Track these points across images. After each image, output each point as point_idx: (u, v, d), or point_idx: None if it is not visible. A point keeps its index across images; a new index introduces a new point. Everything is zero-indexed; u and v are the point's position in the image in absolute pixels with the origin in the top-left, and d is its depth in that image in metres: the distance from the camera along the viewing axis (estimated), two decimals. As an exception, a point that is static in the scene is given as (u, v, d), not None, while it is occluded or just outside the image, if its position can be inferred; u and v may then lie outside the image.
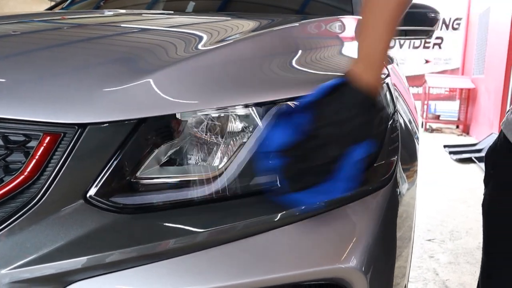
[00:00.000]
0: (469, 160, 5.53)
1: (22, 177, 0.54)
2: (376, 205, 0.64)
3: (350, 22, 1.29)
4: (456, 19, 9.75)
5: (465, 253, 2.56)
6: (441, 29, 9.74)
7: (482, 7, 8.21)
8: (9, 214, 0.54)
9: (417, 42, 9.89)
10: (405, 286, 0.84)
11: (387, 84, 0.83)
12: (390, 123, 0.74)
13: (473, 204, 3.58)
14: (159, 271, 0.54)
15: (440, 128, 9.07)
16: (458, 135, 8.51)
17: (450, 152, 6.01)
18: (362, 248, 0.58)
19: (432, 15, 1.75)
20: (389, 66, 1.12)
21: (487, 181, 0.82)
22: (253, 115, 0.63)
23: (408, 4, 0.64)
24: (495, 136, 3.98)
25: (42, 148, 0.54)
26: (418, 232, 2.89)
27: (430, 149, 6.54)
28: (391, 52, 1.53)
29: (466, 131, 8.64)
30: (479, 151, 5.93)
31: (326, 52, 0.89)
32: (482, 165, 5.10)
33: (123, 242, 0.54)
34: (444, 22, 9.76)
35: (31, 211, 0.53)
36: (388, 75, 0.84)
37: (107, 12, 1.24)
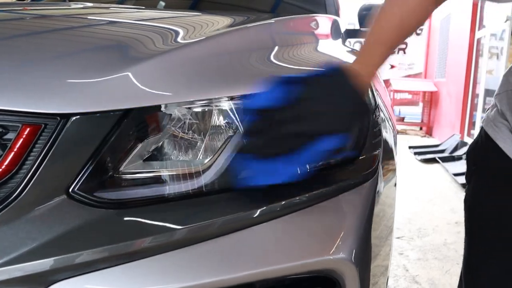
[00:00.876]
0: (433, 160, 5.72)
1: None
2: (362, 198, 0.65)
3: (324, 19, 1.31)
4: (419, 25, 10.13)
5: (433, 250, 2.64)
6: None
7: (443, 13, 8.54)
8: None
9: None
10: (388, 274, 0.86)
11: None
12: (372, 117, 0.75)
13: (438, 202, 3.70)
14: (145, 268, 0.52)
15: (404, 130, 9.35)
16: (422, 136, 8.80)
17: (415, 153, 6.20)
18: (352, 240, 0.58)
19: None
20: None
21: (469, 177, 0.84)
22: (237, 108, 0.62)
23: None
24: (457, 137, 4.17)
25: (21, 140, 0.51)
26: (388, 230, 2.97)
27: (398, 151, 6.73)
28: None
29: (429, 132, 8.94)
30: (442, 151, 6.15)
31: (304, 48, 0.90)
32: (446, 164, 5.30)
33: (106, 239, 0.52)
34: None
35: (9, 206, 0.50)
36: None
37: (79, 5, 1.19)
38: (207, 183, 0.59)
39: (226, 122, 0.62)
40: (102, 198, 0.54)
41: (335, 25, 1.39)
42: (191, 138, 0.61)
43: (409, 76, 10.19)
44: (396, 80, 9.37)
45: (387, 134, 0.87)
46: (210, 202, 0.59)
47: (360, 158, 0.69)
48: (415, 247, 2.70)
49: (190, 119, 0.60)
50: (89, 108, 0.53)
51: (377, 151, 0.73)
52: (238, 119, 0.61)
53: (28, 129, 0.51)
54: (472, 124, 6.49)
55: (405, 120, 9.62)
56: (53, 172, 0.52)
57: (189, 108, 0.60)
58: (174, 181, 0.58)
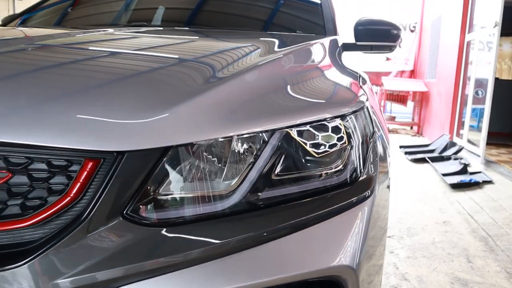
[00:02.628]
0: (423, 160, 5.88)
1: (68, 198, 0.62)
2: (361, 214, 0.77)
3: (325, 44, 1.42)
4: (412, 23, 10.22)
5: (422, 248, 2.79)
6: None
7: (435, 14, 8.70)
8: (55, 231, 0.62)
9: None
10: (381, 274, 0.98)
11: (367, 107, 0.96)
12: (370, 144, 0.87)
13: (427, 202, 3.86)
14: (188, 276, 0.64)
15: (395, 129, 9.53)
16: (413, 135, 8.98)
17: (406, 153, 6.37)
18: (352, 250, 0.71)
19: (395, 31, 1.91)
20: (365, 87, 1.26)
21: None
22: (260, 140, 0.74)
23: None
24: (446, 137, 4.34)
25: (85, 172, 0.62)
26: (379, 229, 3.11)
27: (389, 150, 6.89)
28: (364, 73, 1.68)
29: (420, 132, 9.13)
30: (431, 151, 6.33)
31: (315, 81, 1.00)
32: (435, 164, 5.45)
33: (157, 252, 0.64)
34: (401, 24, 10.21)
35: (77, 228, 0.61)
36: (367, 99, 0.97)
37: (98, 33, 1.29)
38: (233, 204, 0.71)
39: (247, 153, 0.73)
40: (151, 218, 0.66)
41: (334, 46, 1.51)
42: (218, 165, 0.72)
43: (404, 72, 10.29)
44: (387, 80, 9.52)
45: (382, 154, 1.00)
46: (236, 220, 0.70)
47: (360, 180, 0.81)
48: (404, 245, 2.84)
49: (217, 150, 0.72)
50: (140, 146, 0.64)
51: (374, 173, 0.85)
52: (257, 150, 0.73)
53: (90, 163, 0.63)
54: (461, 125, 6.67)
55: (396, 120, 9.79)
56: (111, 198, 0.63)
57: (216, 141, 0.71)
58: (206, 203, 0.70)
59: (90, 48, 1.07)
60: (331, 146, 0.79)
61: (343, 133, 0.82)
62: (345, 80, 1.08)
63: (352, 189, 0.79)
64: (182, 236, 0.66)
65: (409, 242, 2.92)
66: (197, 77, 0.82)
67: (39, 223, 0.61)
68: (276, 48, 1.15)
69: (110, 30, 1.36)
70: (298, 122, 0.76)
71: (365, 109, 0.92)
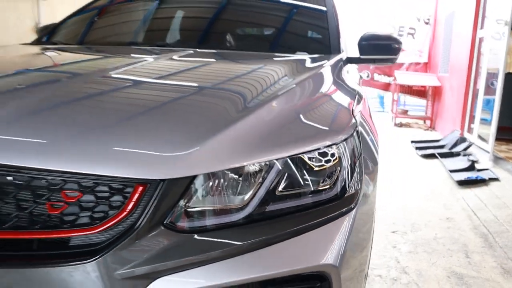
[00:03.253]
0: (433, 156, 6.00)
1: (124, 213, 0.84)
2: (345, 224, 0.97)
3: (328, 70, 1.61)
4: (427, 16, 10.17)
5: (423, 244, 2.97)
6: (412, 21, 10.18)
7: (449, 8, 8.70)
8: (115, 236, 0.84)
9: (391, 30, 10.23)
10: (366, 274, 1.18)
11: (357, 131, 1.16)
12: (356, 166, 1.07)
13: (433, 198, 4.02)
14: (212, 269, 0.85)
15: (408, 123, 9.60)
16: (425, 129, 9.05)
17: (416, 148, 6.49)
18: (336, 252, 0.92)
19: (396, 45, 2.09)
20: (360, 105, 1.45)
21: None
22: (267, 166, 0.95)
23: None
24: (457, 133, 4.52)
25: (136, 194, 0.84)
26: (384, 225, 3.29)
27: (399, 144, 7.01)
28: (360, 89, 1.87)
29: (433, 126, 9.19)
30: (441, 147, 6.44)
31: (315, 113, 1.20)
32: (444, 160, 5.57)
33: (189, 251, 0.85)
34: (416, 16, 10.18)
35: (131, 234, 0.83)
36: (357, 126, 1.17)
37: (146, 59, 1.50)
38: (250, 213, 0.92)
39: (257, 175, 0.94)
40: (183, 227, 0.88)
41: (336, 66, 1.71)
42: (234, 185, 0.93)
43: (417, 63, 10.25)
44: (400, 73, 9.57)
45: (370, 168, 1.19)
46: (249, 227, 0.92)
47: (347, 195, 1.02)
48: (407, 241, 3.03)
49: (234, 174, 0.93)
50: (175, 175, 0.85)
51: (359, 188, 1.05)
52: (264, 173, 0.94)
53: (140, 187, 0.84)
54: (472, 120, 6.75)
55: (408, 113, 9.85)
56: (155, 212, 0.85)
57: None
58: (225, 214, 0.92)
59: (130, 78, 1.28)
60: (324, 168, 0.99)
61: (336, 157, 1.02)
62: (340, 107, 1.27)
63: (340, 203, 1.00)
64: (207, 240, 0.88)
65: (412, 237, 3.11)
66: (219, 112, 1.03)
67: (104, 231, 0.84)
68: (284, 81, 1.34)
69: (149, 59, 1.57)
70: (298, 151, 0.97)
71: (355, 135, 1.12)
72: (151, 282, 0.84)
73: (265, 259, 0.88)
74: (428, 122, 9.40)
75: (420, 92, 9.41)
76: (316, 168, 0.99)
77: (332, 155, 1.02)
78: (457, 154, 5.79)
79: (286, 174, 0.96)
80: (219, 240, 0.88)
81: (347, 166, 1.05)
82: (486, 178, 4.48)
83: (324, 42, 1.94)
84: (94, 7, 2.50)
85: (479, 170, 4.86)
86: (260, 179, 0.94)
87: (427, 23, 10.19)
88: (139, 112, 1.00)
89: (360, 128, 1.23)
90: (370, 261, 2.59)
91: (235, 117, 1.00)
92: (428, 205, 3.83)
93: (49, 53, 1.79)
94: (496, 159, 5.42)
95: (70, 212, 0.84)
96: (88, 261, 0.82)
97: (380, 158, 1.44)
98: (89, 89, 1.18)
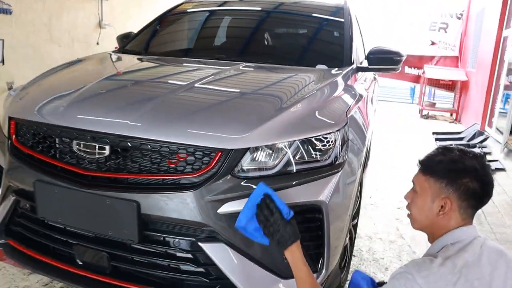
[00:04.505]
0: (451, 147, 6.47)
1: (210, 166, 1.54)
2: (333, 179, 1.64)
3: (339, 79, 2.27)
4: (460, 10, 10.34)
5: (423, 218, 3.57)
6: (445, 16, 10.40)
7: (480, 5, 8.94)
8: (205, 179, 1.55)
9: (424, 24, 10.46)
10: (349, 216, 1.86)
11: (347, 124, 1.81)
12: (345, 144, 1.74)
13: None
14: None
15: (435, 115, 9.96)
16: (450, 122, 9.40)
17: (436, 139, 6.96)
18: (326, 193, 1.60)
19: (397, 58, 2.70)
20: (357, 105, 2.12)
21: None
22: (290, 143, 1.63)
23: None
24: (477, 126, 5.24)
25: (217, 156, 1.54)
26: (392, 202, 3.92)
27: (421, 135, 7.48)
28: (361, 89, 2.50)
29: (458, 119, 9.53)
30: (461, 139, 6.88)
31: (325, 111, 1.86)
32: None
33: (242, 188, 1.55)
34: (448, 12, 10.38)
35: (215, 177, 1.54)
36: (347, 123, 1.82)
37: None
38: (277, 171, 1.61)
39: (284, 148, 1.63)
40: (241, 176, 1.57)
41: (346, 76, 2.36)
42: (270, 154, 1.62)
43: (447, 57, 10.44)
44: (429, 67, 9.89)
45: (353, 158, 1.86)
46: (277, 179, 1.60)
47: (337, 163, 1.69)
48: (409, 215, 3.64)
49: (270, 148, 1.62)
50: (238, 147, 1.54)
51: (344, 161, 1.72)
52: (287, 147, 1.63)
53: (220, 153, 1.55)
54: (492, 114, 7.12)
55: (436, 106, 10.18)
56: (227, 167, 1.54)
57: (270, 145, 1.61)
58: (263, 170, 1.61)
59: (210, 87, 2.00)
60: (324, 147, 1.67)
61: (332, 140, 1.69)
62: (340, 108, 1.93)
63: (332, 167, 1.67)
64: (251, 185, 1.57)
65: (414, 213, 3.70)
66: (263, 110, 1.72)
67: (199, 175, 1.55)
68: (309, 87, 2.01)
69: (218, 71, 2.23)
70: (309, 136, 1.64)
71: (345, 128, 1.78)
72: (222, 204, 1.55)
73: (284, 195, 1.56)
74: (454, 115, 9.73)
75: (447, 85, 9.72)
76: (319, 146, 1.67)
77: (330, 139, 1.69)
78: (474, 146, 6.23)
79: (301, 149, 1.65)
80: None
81: (339, 146, 1.72)
82: (493, 168, 4.97)
83: (339, 57, 2.58)
84: (170, 18, 3.26)
85: (489, 161, 5.33)
86: (285, 152, 1.63)
87: (459, 18, 10.37)
88: (220, 110, 1.72)
89: (351, 123, 1.89)
90: (374, 229, 3.24)
91: (273, 114, 1.68)
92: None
93: (145, 64, 2.54)
94: (509, 152, 5.85)
95: (181, 165, 1.57)
96: (191, 191, 1.54)
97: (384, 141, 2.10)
98: (186, 96, 1.89)
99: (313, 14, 3.17)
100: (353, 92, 2.26)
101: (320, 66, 2.48)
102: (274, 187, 1.52)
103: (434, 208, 1.28)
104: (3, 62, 4.13)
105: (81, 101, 1.79)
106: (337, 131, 1.73)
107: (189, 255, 1.60)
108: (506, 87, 6.61)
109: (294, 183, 1.60)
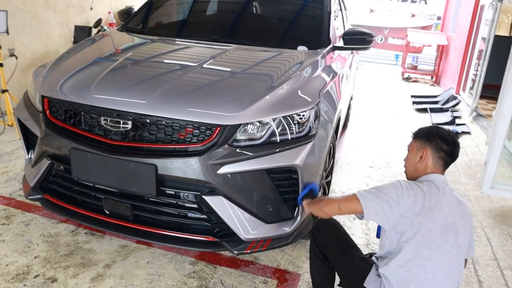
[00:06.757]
0: (426, 110, 6.96)
1: (211, 138, 1.97)
2: (307, 146, 2.10)
3: (319, 58, 2.68)
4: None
5: (391, 176, 4.11)
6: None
7: (463, -30, 9.15)
8: (207, 147, 1.98)
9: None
10: (320, 176, 2.34)
11: (320, 103, 2.26)
12: (316, 119, 2.19)
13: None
14: (244, 164, 2.00)
15: (416, 78, 10.40)
16: (431, 85, 9.87)
17: (413, 102, 7.44)
18: (301, 158, 2.05)
19: (369, 39, 3.11)
20: (331, 82, 2.56)
21: None
22: (275, 119, 2.07)
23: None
24: (452, 91, 5.85)
25: (217, 130, 1.97)
26: (365, 162, 4.44)
27: (401, 99, 7.95)
28: (336, 67, 2.91)
29: (438, 82, 10.00)
30: (436, 103, 7.37)
31: (303, 90, 2.29)
32: (433, 115, 6.57)
33: (236, 154, 1.98)
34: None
35: (215, 146, 1.97)
36: (319, 101, 2.27)
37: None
38: (263, 141, 2.06)
39: (269, 123, 2.07)
40: (235, 145, 2.00)
41: (325, 54, 2.78)
42: (258, 127, 2.06)
43: (428, 26, 10.91)
44: (412, 32, 10.22)
45: (325, 125, 2.31)
46: (262, 147, 2.06)
47: (310, 134, 2.15)
48: (379, 173, 4.18)
49: (259, 123, 2.05)
50: (233, 123, 1.96)
51: (316, 133, 2.17)
52: (273, 121, 2.07)
53: (218, 128, 1.97)
54: (467, 79, 7.59)
55: (418, 68, 10.60)
56: (225, 138, 1.97)
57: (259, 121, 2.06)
58: (252, 140, 2.05)
59: (212, 68, 2.40)
60: (301, 121, 2.12)
61: (307, 116, 2.14)
62: (315, 88, 2.36)
63: (306, 138, 2.12)
64: (243, 151, 2.01)
65: (384, 171, 4.24)
66: (254, 90, 2.13)
67: (203, 145, 1.98)
68: (292, 69, 2.43)
69: (218, 52, 2.63)
70: (290, 113, 2.08)
71: (318, 105, 2.22)
72: (221, 167, 1.99)
73: (268, 159, 2.02)
74: (434, 78, 10.18)
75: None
76: (296, 121, 2.12)
77: (305, 115, 2.14)
78: (446, 110, 6.74)
79: (282, 123, 2.09)
80: (248, 152, 2.03)
81: (312, 120, 2.17)
82: (459, 131, 5.50)
83: (318, 39, 2.98)
84: None
85: (458, 125, 5.86)
86: (270, 125, 2.07)
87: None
88: (218, 91, 2.13)
89: (324, 99, 2.34)
90: (348, 185, 3.76)
91: (262, 94, 2.11)
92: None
93: (154, 46, 2.90)
94: (478, 116, 6.38)
95: (189, 136, 2.01)
96: (197, 157, 1.98)
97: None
98: (192, 78, 2.28)
99: (296, 1, 3.55)
100: (329, 71, 2.69)
101: (301, 48, 2.88)
102: (261, 154, 1.99)
103: (417, 158, 1.82)
104: (7, 32, 4.37)
105: (106, 83, 2.19)
106: (311, 108, 2.17)
107: (195, 205, 2.08)
108: (479, 57, 7.03)
109: (277, 150, 2.05)
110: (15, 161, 3.73)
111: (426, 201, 1.62)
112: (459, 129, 5.60)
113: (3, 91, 4.41)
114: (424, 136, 1.84)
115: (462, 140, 5.34)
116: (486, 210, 3.46)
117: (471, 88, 7.15)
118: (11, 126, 4.53)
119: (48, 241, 2.57)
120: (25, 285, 2.17)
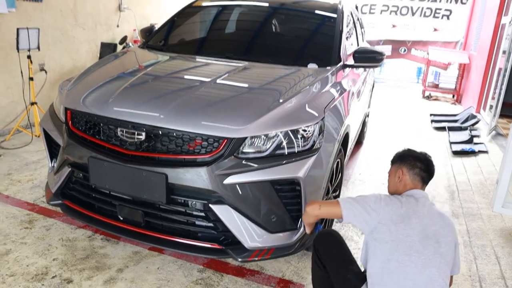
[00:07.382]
0: (444, 128, 6.91)
1: (218, 149, 2.10)
2: (311, 160, 2.19)
3: (329, 75, 2.78)
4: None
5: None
6: (450, 2, 10.62)
7: (485, -11, 9.13)
8: (214, 159, 2.10)
9: (428, 11, 10.81)
10: (323, 190, 2.41)
11: (324, 118, 2.35)
12: (320, 134, 2.28)
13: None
14: (249, 175, 2.10)
15: (437, 97, 10.32)
16: (451, 103, 9.77)
17: (432, 121, 7.39)
18: (304, 171, 2.13)
19: (380, 57, 3.19)
20: (339, 98, 2.65)
21: None
22: (280, 132, 2.17)
23: None
24: (472, 109, 5.84)
25: (223, 143, 2.09)
26: (379, 178, 4.46)
27: (420, 117, 7.91)
28: (346, 84, 3.01)
29: (459, 100, 9.90)
30: (455, 121, 7.30)
31: (310, 105, 2.39)
32: (451, 133, 6.52)
33: (242, 166, 2.11)
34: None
35: (222, 157, 2.08)
36: (324, 117, 2.36)
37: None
38: (268, 153, 2.16)
39: (274, 137, 2.18)
40: (241, 157, 2.11)
41: (334, 73, 2.88)
42: (264, 140, 2.17)
43: (451, 42, 10.77)
44: (433, 49, 10.19)
45: (329, 137, 2.40)
46: (268, 159, 2.16)
47: (314, 147, 2.23)
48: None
49: (264, 137, 2.16)
50: (239, 136, 2.08)
51: (320, 147, 2.26)
52: (277, 135, 2.17)
53: (225, 140, 2.09)
54: (487, 98, 7.50)
55: (439, 87, 10.52)
56: (231, 150, 2.09)
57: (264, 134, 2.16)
58: (258, 153, 2.16)
59: (225, 83, 2.54)
60: (306, 135, 2.21)
61: (312, 131, 2.24)
62: (321, 104, 2.45)
63: (310, 151, 2.22)
64: (249, 163, 2.12)
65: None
66: (262, 104, 2.25)
67: (211, 156, 2.10)
68: (299, 84, 2.54)
69: (232, 69, 2.77)
70: (295, 127, 2.18)
71: (323, 120, 2.32)
72: (227, 177, 2.10)
73: (273, 171, 2.11)
74: (455, 97, 10.07)
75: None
76: (301, 135, 2.21)
77: (310, 129, 2.24)
78: (465, 128, 6.67)
79: (287, 137, 2.19)
80: (253, 163, 2.13)
81: (316, 135, 2.26)
82: (476, 150, 5.45)
83: (328, 57, 3.09)
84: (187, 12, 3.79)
85: (475, 144, 5.80)
86: (275, 138, 2.18)
87: (464, 3, 10.57)
88: (227, 105, 2.26)
89: (329, 115, 2.43)
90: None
91: (268, 109, 2.22)
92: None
93: (171, 63, 3.07)
94: (497, 135, 6.30)
95: (198, 148, 2.13)
96: (205, 167, 2.10)
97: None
98: (203, 92, 2.42)
99: (309, 20, 3.68)
100: (337, 88, 2.79)
101: (312, 65, 2.99)
102: (265, 165, 2.09)
103: (396, 179, 1.99)
104: (38, 48, 4.66)
105: (123, 97, 2.35)
106: (316, 123, 2.27)
107: (202, 214, 2.19)
108: (499, 74, 6.97)
109: (282, 163, 2.15)
110: (40, 170, 3.94)
111: (403, 210, 1.71)
112: (477, 148, 5.55)
113: (32, 104, 4.69)
114: (399, 159, 2.04)
115: (479, 159, 5.29)
116: (497, 229, 3.44)
117: (492, 107, 7.06)
118: (38, 137, 4.78)
119: (67, 245, 2.72)
120: (43, 284, 2.32)
